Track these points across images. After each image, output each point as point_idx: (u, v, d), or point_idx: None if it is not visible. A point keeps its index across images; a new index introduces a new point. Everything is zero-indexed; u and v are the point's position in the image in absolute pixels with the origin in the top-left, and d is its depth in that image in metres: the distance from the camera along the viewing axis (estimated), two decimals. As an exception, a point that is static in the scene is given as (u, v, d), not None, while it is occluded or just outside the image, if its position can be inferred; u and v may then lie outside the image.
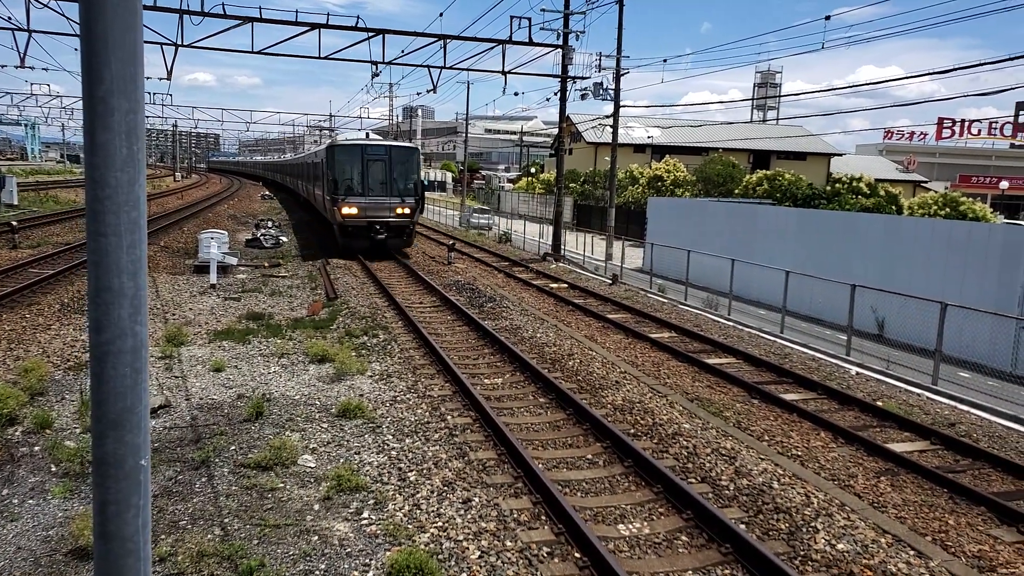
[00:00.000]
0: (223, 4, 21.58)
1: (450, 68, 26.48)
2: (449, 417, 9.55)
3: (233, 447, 8.21)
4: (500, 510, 6.93)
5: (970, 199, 39.87)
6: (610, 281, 23.81)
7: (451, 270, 23.74)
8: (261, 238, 28.13)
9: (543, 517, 6.91)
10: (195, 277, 19.69)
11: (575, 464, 8.44)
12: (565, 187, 38.19)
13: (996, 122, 67.60)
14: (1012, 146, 72.86)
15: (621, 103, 31.10)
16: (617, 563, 5.93)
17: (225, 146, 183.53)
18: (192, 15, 21.26)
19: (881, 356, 14.89)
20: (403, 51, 44.59)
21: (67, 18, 54.89)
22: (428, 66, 26.38)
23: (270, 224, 32.93)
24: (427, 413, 9.61)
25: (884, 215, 32.79)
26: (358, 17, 23.42)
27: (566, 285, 22.03)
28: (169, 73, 24.67)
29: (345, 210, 24.11)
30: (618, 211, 35.05)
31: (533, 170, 71.94)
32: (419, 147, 23.98)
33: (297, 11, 26.27)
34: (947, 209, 37.44)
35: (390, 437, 8.68)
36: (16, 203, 36.82)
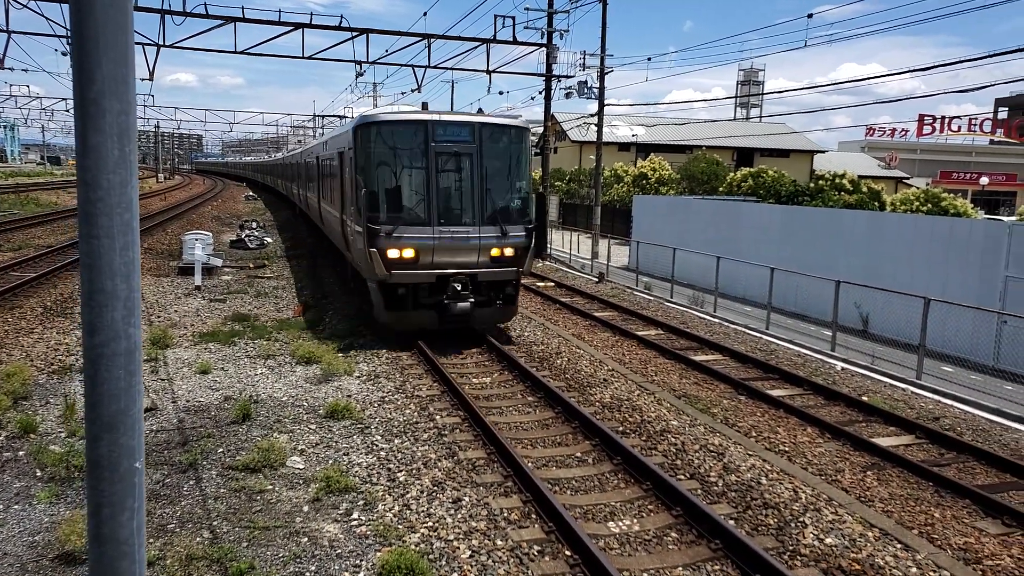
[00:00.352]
0: (205, 4, 21.41)
1: (435, 67, 26.43)
2: (438, 417, 9.54)
3: (221, 449, 8.17)
4: (490, 509, 6.94)
5: (951, 195, 40.29)
6: (596, 279, 23.89)
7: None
8: (246, 239, 27.94)
9: (533, 515, 6.92)
10: (180, 279, 19.54)
11: (564, 462, 8.46)
12: (551, 186, 38.22)
13: (976, 119, 68.26)
14: (991, 142, 73.59)
15: (606, 101, 31.17)
16: (608, 560, 5.95)
17: (208, 147, 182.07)
18: (174, 15, 21.07)
19: (866, 351, 15.02)
20: (387, 50, 44.42)
21: (47, 19, 54.21)
22: (412, 65, 26.30)
23: (255, 225, 32.77)
24: (416, 413, 9.60)
25: (868, 211, 33.07)
26: (341, 17, 23.30)
27: (552, 283, 22.06)
28: (151, 74, 24.45)
29: (393, 252, 12.57)
30: (603, 209, 35.11)
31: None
32: (528, 127, 14.34)
33: (280, 11, 26.01)
34: (929, 205, 37.83)
35: (379, 438, 8.66)
36: (-4, 205, 36.49)
